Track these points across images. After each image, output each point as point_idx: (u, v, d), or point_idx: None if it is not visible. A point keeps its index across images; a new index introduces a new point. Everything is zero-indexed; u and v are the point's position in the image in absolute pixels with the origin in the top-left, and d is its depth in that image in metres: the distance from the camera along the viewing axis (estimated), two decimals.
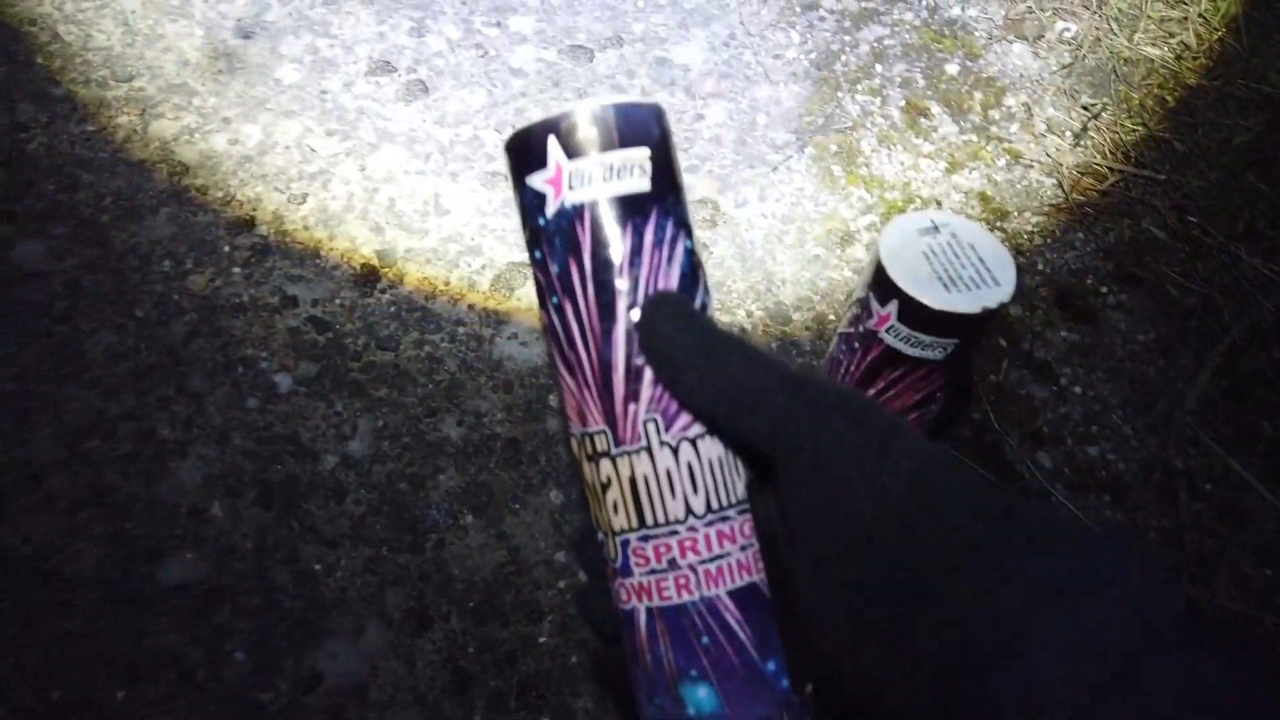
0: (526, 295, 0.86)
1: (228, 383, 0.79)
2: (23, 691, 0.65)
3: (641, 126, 0.28)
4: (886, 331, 0.54)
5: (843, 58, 1.06)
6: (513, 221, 0.90)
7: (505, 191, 0.92)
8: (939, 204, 0.96)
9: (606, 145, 0.27)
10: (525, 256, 0.92)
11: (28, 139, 0.89)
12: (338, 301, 0.84)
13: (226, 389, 0.79)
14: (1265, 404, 0.86)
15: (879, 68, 1.05)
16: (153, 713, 0.65)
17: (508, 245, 0.89)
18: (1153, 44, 1.10)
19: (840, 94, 1.03)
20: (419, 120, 0.96)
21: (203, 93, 0.95)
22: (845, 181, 0.96)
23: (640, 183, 0.28)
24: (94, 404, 0.76)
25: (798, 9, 1.10)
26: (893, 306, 0.53)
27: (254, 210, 0.88)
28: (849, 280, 0.90)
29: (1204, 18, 1.11)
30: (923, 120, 1.02)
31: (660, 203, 0.28)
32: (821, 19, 1.09)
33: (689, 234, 0.29)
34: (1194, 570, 0.77)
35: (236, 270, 0.85)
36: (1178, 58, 1.09)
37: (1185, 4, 1.13)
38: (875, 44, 1.07)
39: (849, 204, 0.95)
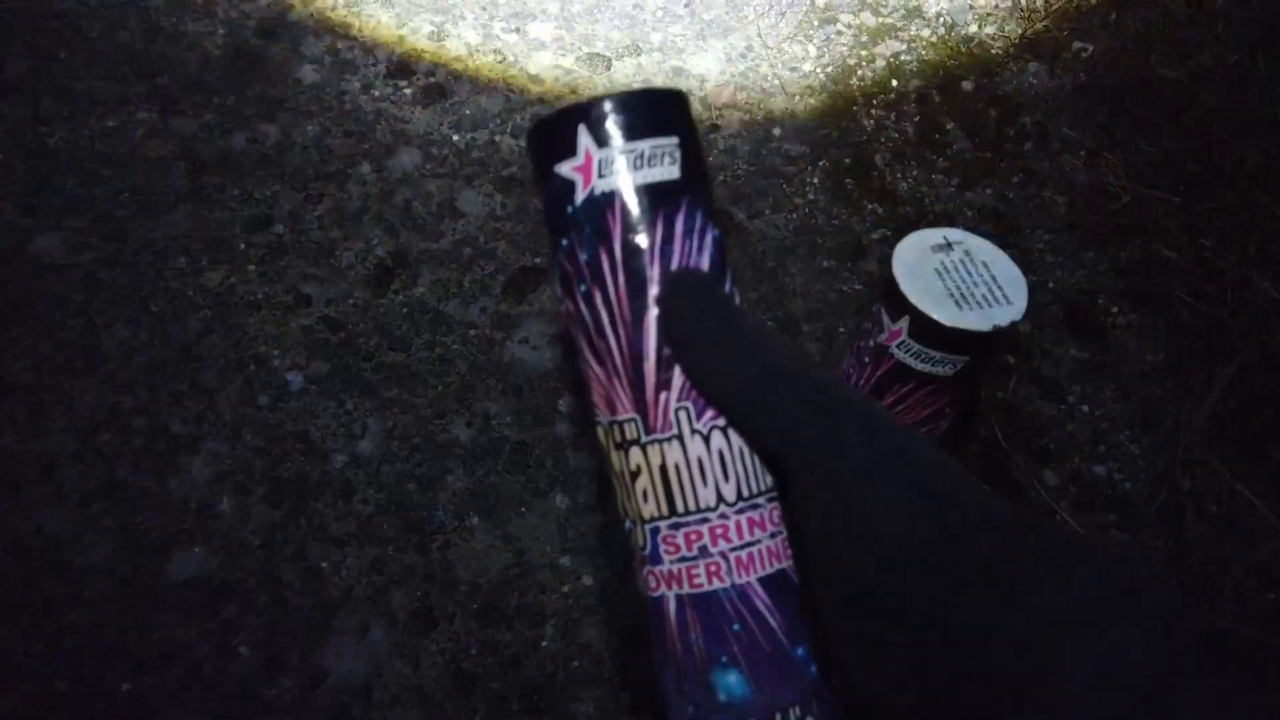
0: (538, 300, 0.86)
1: (240, 379, 0.80)
2: (30, 681, 0.65)
3: (670, 114, 0.28)
4: (897, 347, 0.54)
5: (859, 72, 1.06)
6: (526, 226, 0.90)
7: (519, 197, 0.92)
8: (951, 220, 0.96)
9: (637, 133, 0.27)
10: (539, 261, 0.93)
11: (49, 133, 0.90)
12: (351, 301, 0.85)
13: (238, 386, 0.79)
14: (1273, 427, 0.86)
15: (895, 83, 1.06)
16: (158, 705, 0.66)
17: (521, 250, 0.89)
18: (1169, 65, 1.10)
19: (856, 108, 1.03)
20: (436, 124, 0.96)
21: (223, 91, 0.96)
22: (858, 195, 0.97)
23: (670, 171, 0.27)
24: (107, 398, 0.77)
25: (815, 23, 1.10)
26: (904, 322, 0.53)
27: (270, 209, 0.89)
28: (860, 294, 0.90)
29: (1221, 40, 1.11)
30: (937, 136, 1.02)
31: (690, 192, 0.28)
32: (839, 33, 1.09)
33: (717, 224, 0.29)
34: (1198, 591, 0.77)
35: (251, 268, 0.85)
36: (1194, 79, 1.09)
37: (1202, 26, 1.13)
38: (892, 59, 1.08)
39: (861, 218, 0.95)
